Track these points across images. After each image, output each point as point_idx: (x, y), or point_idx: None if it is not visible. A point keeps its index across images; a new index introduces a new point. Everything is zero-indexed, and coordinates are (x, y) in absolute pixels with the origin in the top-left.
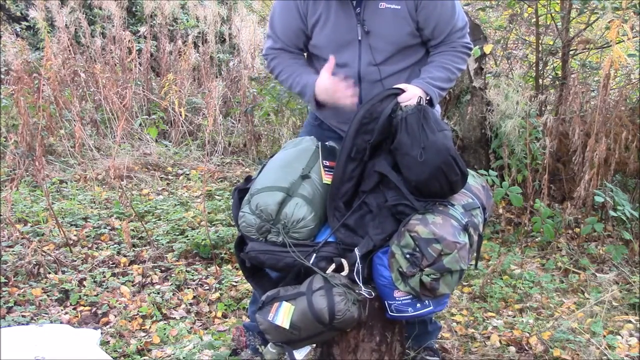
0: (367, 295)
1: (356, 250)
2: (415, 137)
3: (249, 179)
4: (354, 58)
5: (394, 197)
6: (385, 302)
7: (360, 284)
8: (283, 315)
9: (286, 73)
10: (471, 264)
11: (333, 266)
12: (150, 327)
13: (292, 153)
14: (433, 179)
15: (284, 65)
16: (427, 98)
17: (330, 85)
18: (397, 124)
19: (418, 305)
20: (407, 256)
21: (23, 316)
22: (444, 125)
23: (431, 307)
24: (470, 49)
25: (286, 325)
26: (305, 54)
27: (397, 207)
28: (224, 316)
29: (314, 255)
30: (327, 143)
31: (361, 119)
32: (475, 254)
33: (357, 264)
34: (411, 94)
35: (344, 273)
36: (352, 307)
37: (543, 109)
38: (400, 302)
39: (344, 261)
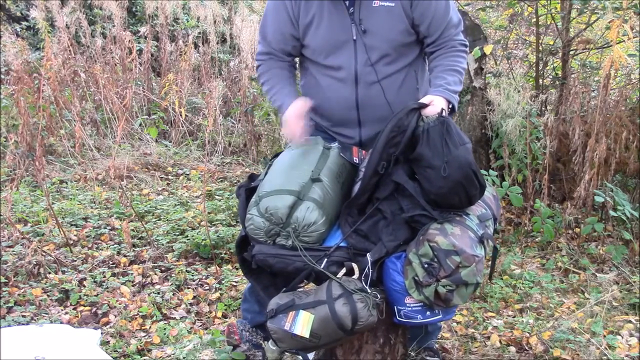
0: (373, 298)
1: (368, 255)
2: (438, 150)
3: (252, 177)
4: (350, 59)
5: (409, 205)
6: (395, 307)
7: (367, 288)
8: (302, 324)
9: (269, 85)
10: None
11: (344, 270)
12: (150, 327)
13: (299, 154)
14: (453, 193)
15: (269, 75)
16: (450, 106)
17: (291, 119)
18: (419, 135)
19: (428, 313)
20: (425, 265)
21: (23, 316)
22: (465, 138)
23: (440, 316)
24: (467, 46)
25: (306, 335)
26: (293, 60)
27: (413, 217)
28: (224, 316)
29: (325, 259)
30: (332, 144)
31: (389, 132)
32: (490, 266)
33: (367, 269)
34: (437, 107)
35: (355, 277)
36: (373, 312)
37: (544, 108)
38: (410, 308)
39: (354, 266)
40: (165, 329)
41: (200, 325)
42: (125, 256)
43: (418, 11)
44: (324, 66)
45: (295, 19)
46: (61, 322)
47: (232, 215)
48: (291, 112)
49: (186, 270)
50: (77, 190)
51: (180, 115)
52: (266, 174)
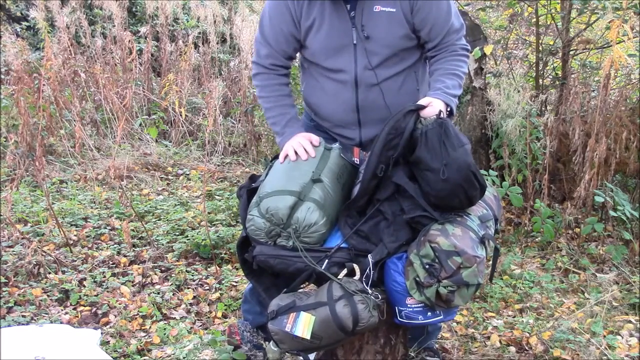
0: (374, 299)
1: (370, 257)
2: (436, 153)
3: (253, 178)
4: (350, 62)
5: (410, 206)
6: (396, 307)
7: (368, 289)
8: (303, 326)
9: (270, 103)
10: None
11: (345, 271)
12: (150, 327)
13: None
14: (453, 195)
15: (269, 91)
16: (448, 109)
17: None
18: (417, 137)
19: (429, 313)
20: (426, 266)
21: (23, 316)
22: (464, 139)
23: (441, 317)
24: (469, 51)
25: (307, 336)
26: (289, 70)
27: (414, 218)
28: (224, 316)
29: (326, 260)
30: (333, 145)
31: (387, 135)
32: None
33: (369, 270)
34: (435, 109)
35: (356, 278)
36: (374, 313)
37: (544, 108)
38: (411, 309)
39: (356, 267)
40: (165, 329)
41: (200, 325)
42: (125, 256)
43: (419, 17)
44: (325, 68)
45: (298, 19)
46: (61, 322)
47: (232, 215)
48: (304, 134)
49: (186, 270)
50: (77, 190)
51: (180, 115)
52: (267, 174)
